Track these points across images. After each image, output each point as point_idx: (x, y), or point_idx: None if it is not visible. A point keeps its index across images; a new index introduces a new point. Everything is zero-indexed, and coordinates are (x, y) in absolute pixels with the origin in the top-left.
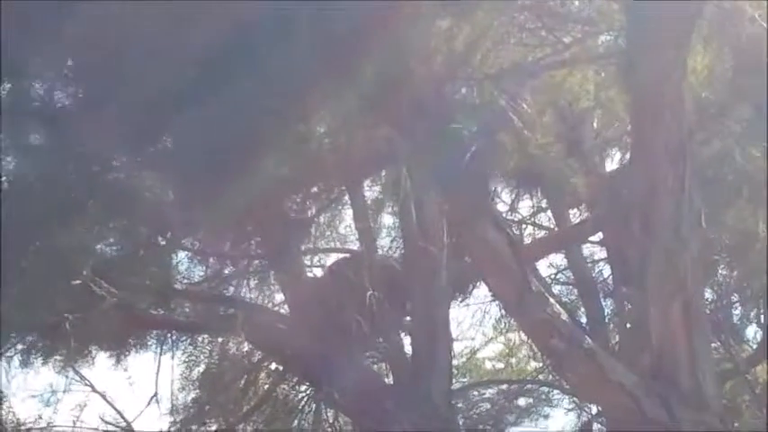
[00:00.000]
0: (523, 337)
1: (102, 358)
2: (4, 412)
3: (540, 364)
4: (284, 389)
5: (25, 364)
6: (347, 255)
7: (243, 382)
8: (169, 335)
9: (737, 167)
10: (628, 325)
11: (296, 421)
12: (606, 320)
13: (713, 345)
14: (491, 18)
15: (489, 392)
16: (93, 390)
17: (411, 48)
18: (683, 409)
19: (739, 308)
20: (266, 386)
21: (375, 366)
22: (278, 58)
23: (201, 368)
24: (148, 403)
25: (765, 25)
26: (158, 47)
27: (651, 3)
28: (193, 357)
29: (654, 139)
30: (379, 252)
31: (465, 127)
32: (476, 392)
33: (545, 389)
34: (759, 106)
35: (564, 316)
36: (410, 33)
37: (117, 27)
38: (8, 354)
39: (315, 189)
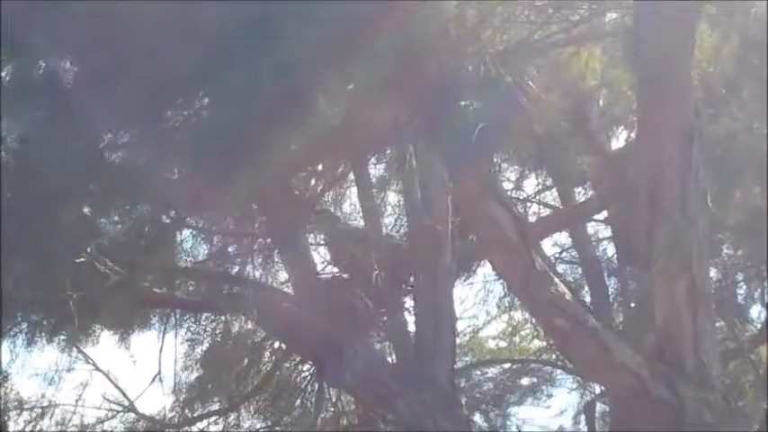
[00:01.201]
0: (527, 315)
1: (106, 337)
2: (7, 391)
3: (544, 343)
4: (287, 368)
5: (29, 342)
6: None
7: (246, 361)
8: (172, 313)
9: (744, 146)
10: (632, 304)
11: (299, 401)
12: (611, 300)
13: (717, 324)
14: None
15: (492, 372)
16: (96, 368)
17: (419, 25)
18: (687, 389)
19: (744, 287)
20: (269, 365)
21: (378, 346)
22: (286, 36)
23: (204, 347)
24: (151, 382)
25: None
26: (166, 23)
27: None
28: (196, 336)
29: (661, 118)
30: (384, 230)
31: (471, 105)
32: (479, 372)
33: (548, 368)
34: (765, 84)
35: (568, 296)
36: (418, 10)
37: (125, 3)
38: (12, 332)
39: (320, 167)
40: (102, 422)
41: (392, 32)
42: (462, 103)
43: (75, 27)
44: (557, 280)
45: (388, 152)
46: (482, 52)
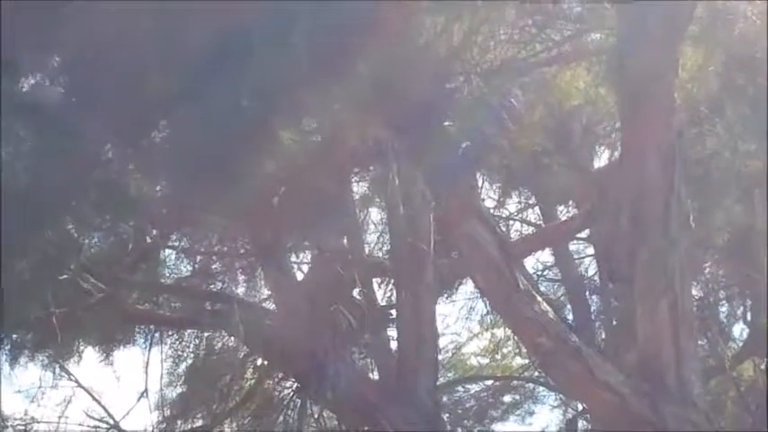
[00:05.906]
0: (509, 333)
1: (90, 354)
2: None
3: (526, 361)
4: (270, 384)
5: (13, 359)
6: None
7: (229, 377)
8: (156, 330)
9: (727, 165)
10: (614, 322)
11: (281, 417)
12: (593, 318)
13: (699, 342)
14: (483, 15)
15: (475, 388)
16: (79, 385)
17: (403, 45)
18: (669, 407)
19: (726, 305)
20: (252, 382)
21: (361, 362)
22: (270, 54)
23: (188, 364)
24: (138, 399)
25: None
26: (149, 42)
27: (642, 1)
28: (179, 353)
29: (644, 138)
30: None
31: (455, 124)
32: (461, 388)
33: (530, 385)
34: (749, 104)
35: (551, 314)
36: (402, 30)
37: (108, 22)
38: None
39: (303, 185)
40: None
41: (376, 50)
42: (446, 122)
43: (60, 45)
44: (539, 298)
45: (372, 170)
46: (467, 71)
